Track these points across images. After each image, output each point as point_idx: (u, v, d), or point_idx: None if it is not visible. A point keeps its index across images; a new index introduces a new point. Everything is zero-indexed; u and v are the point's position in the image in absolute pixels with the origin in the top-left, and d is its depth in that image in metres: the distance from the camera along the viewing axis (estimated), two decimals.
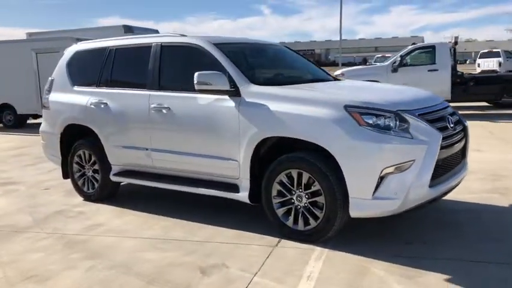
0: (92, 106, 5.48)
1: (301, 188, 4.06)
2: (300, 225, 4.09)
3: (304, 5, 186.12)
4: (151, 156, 5.04)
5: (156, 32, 19.60)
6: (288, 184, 4.13)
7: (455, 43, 13.57)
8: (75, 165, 5.86)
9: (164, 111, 4.83)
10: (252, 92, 4.33)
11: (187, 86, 4.77)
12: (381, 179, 3.66)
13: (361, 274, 3.42)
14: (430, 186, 3.78)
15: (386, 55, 29.81)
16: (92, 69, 5.73)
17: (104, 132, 5.42)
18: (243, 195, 4.38)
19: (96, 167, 5.64)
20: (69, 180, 6.03)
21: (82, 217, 5.12)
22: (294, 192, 4.10)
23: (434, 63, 13.02)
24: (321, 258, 3.71)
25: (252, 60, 5.13)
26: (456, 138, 4.16)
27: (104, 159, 5.51)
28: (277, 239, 4.15)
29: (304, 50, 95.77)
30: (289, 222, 4.15)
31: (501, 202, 4.96)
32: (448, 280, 3.26)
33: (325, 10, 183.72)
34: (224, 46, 4.81)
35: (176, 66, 5.04)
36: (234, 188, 4.49)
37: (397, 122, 3.74)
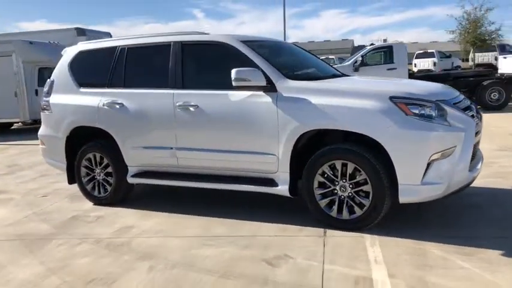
0: (105, 107, 5.32)
1: (345, 178, 4.20)
2: (345, 215, 4.23)
3: (236, 10, 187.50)
4: (177, 155, 4.98)
5: (109, 34, 19.11)
6: (331, 175, 4.26)
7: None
8: (83, 169, 5.66)
9: (192, 109, 4.80)
10: (289, 87, 4.42)
11: (215, 84, 4.80)
12: (428, 165, 3.88)
13: (421, 255, 3.62)
14: (469, 170, 4.06)
15: (330, 57, 30.79)
16: (100, 69, 5.57)
17: (120, 133, 5.28)
18: (283, 189, 4.45)
19: (109, 169, 5.47)
20: (66, 186, 5.89)
21: (105, 221, 4.97)
22: (337, 183, 4.24)
23: (392, 62, 13.69)
24: (375, 244, 3.88)
25: (277, 57, 5.21)
26: (480, 125, 4.48)
27: (119, 161, 5.36)
28: (322, 229, 4.27)
29: None
30: (333, 212, 4.28)
31: (507, 185, 5.37)
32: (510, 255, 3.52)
33: (258, 14, 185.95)
34: (251, 43, 4.87)
35: (202, 64, 5.04)
36: (270, 182, 4.56)
37: (437, 112, 3.98)
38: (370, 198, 4.09)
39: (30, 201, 6.03)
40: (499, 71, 17.57)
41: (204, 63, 5.04)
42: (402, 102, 3.98)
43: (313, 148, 4.41)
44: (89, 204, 5.65)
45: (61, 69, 5.87)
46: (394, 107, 3.96)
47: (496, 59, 29.76)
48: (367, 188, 4.11)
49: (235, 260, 3.71)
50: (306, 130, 4.27)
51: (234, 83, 4.44)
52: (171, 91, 4.96)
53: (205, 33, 5.12)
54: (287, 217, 4.65)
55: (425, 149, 3.87)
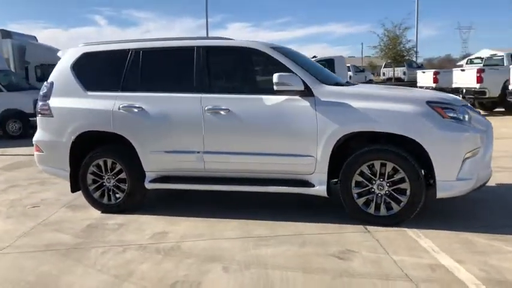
0: (121, 111, 5.16)
1: (382, 177, 4.50)
2: (383, 211, 4.53)
3: (141, 18, 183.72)
4: (204, 159, 4.97)
5: (35, 38, 18.04)
6: (369, 174, 4.54)
7: None
8: (90, 176, 5.40)
9: (223, 113, 4.84)
10: (325, 91, 4.65)
11: (246, 88, 4.90)
12: (462, 163, 4.32)
13: (469, 243, 4.01)
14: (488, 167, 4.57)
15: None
16: (111, 72, 5.40)
17: (139, 137, 5.14)
18: (320, 189, 4.65)
19: (122, 175, 5.29)
20: (51, 196, 5.77)
21: (131, 228, 4.80)
22: (374, 182, 4.53)
23: (334, 73, 14.43)
24: (421, 236, 4.22)
25: (303, 63, 5.41)
26: None
27: (135, 166, 5.21)
28: (360, 226, 4.53)
29: None
30: (371, 209, 4.56)
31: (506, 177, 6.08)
32: None
33: (164, 24, 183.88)
34: (279, 50, 5.03)
35: (231, 69, 5.11)
36: (305, 183, 4.74)
37: (466, 115, 4.44)
38: (408, 195, 4.43)
39: (22, 212, 5.60)
40: (418, 85, 19.22)
41: (233, 68, 5.12)
42: (438, 106, 4.38)
43: (343, 150, 4.67)
44: (95, 212, 5.40)
45: (62, 72, 5.57)
46: (431, 111, 4.36)
47: (404, 73, 32.42)
48: (404, 185, 4.44)
49: (304, 257, 3.84)
50: (347, 132, 4.52)
51: (275, 87, 4.57)
52: (199, 95, 4.95)
53: (231, 39, 5.19)
54: (314, 215, 4.86)
55: (461, 148, 4.30)
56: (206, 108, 4.89)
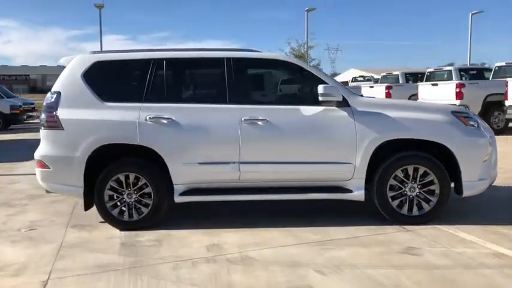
0: (149, 122, 4.97)
1: (414, 180, 4.95)
2: (415, 212, 4.98)
3: (2, 26, 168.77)
4: (240, 169, 4.99)
5: None
6: (402, 178, 4.96)
7: None
8: (107, 192, 5.08)
9: (260, 123, 4.93)
10: (360, 102, 5.01)
11: (282, 99, 5.09)
12: (482, 165, 4.95)
13: (503, 235, 4.58)
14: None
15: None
16: (131, 82, 5.21)
17: (170, 149, 4.98)
18: (358, 194, 4.96)
19: (147, 190, 5.06)
20: (41, 216, 5.43)
21: (174, 243, 4.62)
22: (406, 185, 4.97)
23: None
24: (458, 231, 4.71)
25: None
26: None
27: (162, 180, 5.04)
28: (397, 226, 4.92)
29: (17, 75, 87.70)
30: (404, 210, 4.98)
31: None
32: None
33: (29, 34, 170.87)
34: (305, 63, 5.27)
35: (264, 80, 5.20)
36: (341, 189, 5.02)
37: (479, 123, 5.11)
38: (438, 195, 4.93)
39: (24, 236, 5.03)
40: None
41: (267, 80, 5.22)
42: (461, 116, 4.98)
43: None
44: (113, 230, 5.07)
45: (72, 81, 5.18)
46: (456, 120, 4.94)
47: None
48: (433, 187, 4.94)
49: (380, 256, 4.10)
50: (386, 140, 4.90)
51: (321, 98, 4.82)
52: (234, 106, 4.99)
53: (258, 51, 5.30)
54: (339, 219, 5.16)
55: (482, 152, 4.94)
56: (243, 118, 4.93)
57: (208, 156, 5.00)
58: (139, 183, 5.07)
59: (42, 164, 5.12)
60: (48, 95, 5.19)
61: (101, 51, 5.42)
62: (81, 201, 5.21)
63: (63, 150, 5.05)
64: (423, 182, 4.96)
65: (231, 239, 4.69)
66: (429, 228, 4.84)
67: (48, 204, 6.41)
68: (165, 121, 4.97)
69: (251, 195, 5.06)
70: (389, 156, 4.96)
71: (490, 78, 15.09)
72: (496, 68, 15.17)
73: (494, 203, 5.88)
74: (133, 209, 5.10)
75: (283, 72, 5.27)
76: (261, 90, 5.32)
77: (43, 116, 5.14)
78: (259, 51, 5.31)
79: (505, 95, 13.05)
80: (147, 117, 4.97)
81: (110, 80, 5.23)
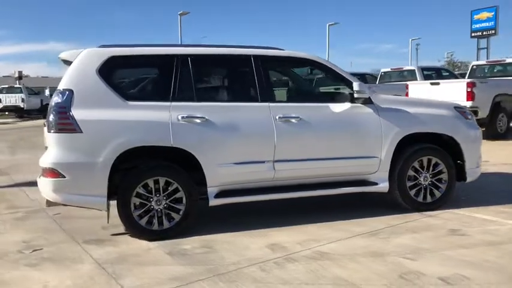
0: (183, 122, 4.66)
1: (427, 170, 5.42)
2: (429, 198, 5.44)
3: None
4: (275, 168, 4.94)
5: None
6: (418, 168, 5.39)
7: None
8: (134, 200, 4.63)
9: (294, 121, 4.95)
10: (381, 99, 5.32)
11: (311, 96, 5.18)
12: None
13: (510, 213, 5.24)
14: None
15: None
16: (154, 80, 4.84)
17: (204, 150, 4.71)
18: (383, 186, 5.26)
19: (178, 194, 4.72)
20: (31, 236, 4.85)
21: (229, 247, 4.36)
22: (421, 174, 5.41)
23: None
24: (474, 213, 5.24)
25: None
26: None
27: (194, 183, 4.76)
28: (413, 213, 5.29)
29: None
30: (420, 198, 5.41)
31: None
32: None
33: None
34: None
35: (293, 78, 5.20)
36: (366, 182, 5.27)
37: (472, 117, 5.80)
38: (446, 182, 5.46)
39: (38, 257, 4.31)
40: None
41: (294, 78, 5.23)
42: (462, 111, 5.59)
43: None
44: (140, 242, 4.61)
45: (85, 78, 4.59)
46: (459, 114, 5.53)
47: (22, 100, 30.36)
48: (443, 175, 5.46)
49: (433, 240, 4.41)
50: (406, 134, 5.27)
51: (356, 95, 5.01)
52: (267, 104, 4.92)
53: (282, 49, 5.28)
54: (354, 212, 5.39)
55: (480, 142, 5.61)
56: (277, 116, 4.90)
57: (244, 155, 4.85)
58: (170, 188, 4.70)
59: (55, 173, 4.45)
60: (57, 94, 4.53)
61: (113, 45, 4.89)
62: (61, 213, 4.65)
63: (82, 156, 4.46)
64: (435, 171, 5.44)
65: (283, 238, 4.60)
66: (446, 212, 5.32)
67: (21, 221, 5.61)
68: (198, 121, 4.69)
69: (285, 194, 5.03)
70: (408, 148, 5.33)
71: (377, 83, 16.75)
72: (382, 73, 16.93)
73: (485, 188, 6.50)
74: (163, 217, 4.70)
75: (308, 70, 5.34)
76: (290, 88, 5.31)
77: (52, 117, 4.47)
78: (282, 49, 5.30)
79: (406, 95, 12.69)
80: (180, 117, 4.65)
81: (129, 77, 4.79)
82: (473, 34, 45.16)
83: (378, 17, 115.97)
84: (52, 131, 4.48)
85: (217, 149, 4.75)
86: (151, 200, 4.65)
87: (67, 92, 4.50)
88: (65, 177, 4.45)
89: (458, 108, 5.65)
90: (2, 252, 4.50)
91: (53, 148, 4.48)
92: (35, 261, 4.24)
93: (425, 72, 16.26)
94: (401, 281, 3.51)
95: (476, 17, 43.77)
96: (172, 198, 4.70)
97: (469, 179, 5.59)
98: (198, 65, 4.89)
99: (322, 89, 5.57)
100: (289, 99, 5.19)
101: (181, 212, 4.72)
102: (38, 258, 4.29)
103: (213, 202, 4.81)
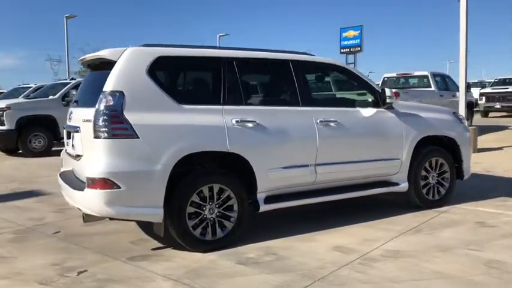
0: (237, 126, 4.51)
1: (435, 170, 5.89)
2: (436, 196, 5.90)
3: None
4: (317, 171, 5.00)
5: None
6: (428, 168, 5.83)
7: None
8: (190, 209, 4.36)
9: (333, 124, 5.07)
10: (399, 104, 5.66)
11: (343, 101, 5.34)
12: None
13: (506, 205, 5.89)
14: None
15: None
16: (203, 82, 4.62)
17: (257, 155, 4.59)
18: (404, 186, 5.59)
19: (231, 202, 4.54)
20: (58, 256, 4.40)
21: (293, 253, 4.30)
22: (430, 174, 5.86)
23: None
24: (479, 207, 5.79)
25: None
26: None
27: (245, 189, 4.62)
28: (426, 211, 5.71)
29: None
30: (430, 196, 5.85)
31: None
32: None
33: None
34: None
35: (326, 83, 5.27)
36: (389, 183, 5.56)
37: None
38: (449, 181, 5.97)
39: (100, 279, 3.82)
40: None
41: (325, 83, 5.32)
42: (459, 116, 6.17)
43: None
44: (195, 255, 4.35)
45: (136, 79, 4.22)
46: (457, 119, 6.09)
47: None
48: (446, 174, 5.97)
49: (476, 231, 4.84)
50: (422, 137, 5.66)
51: (388, 100, 5.26)
52: (308, 108, 4.98)
53: (313, 55, 5.34)
54: (385, 211, 5.68)
55: (470, 143, 6.23)
56: (318, 120, 4.97)
57: (291, 160, 4.82)
58: (223, 196, 4.50)
59: (109, 184, 4.01)
60: (106, 95, 4.10)
61: (157, 45, 4.53)
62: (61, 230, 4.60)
63: (139, 164, 4.09)
64: (440, 171, 5.92)
65: (337, 240, 4.64)
66: (454, 208, 5.79)
67: (21, 243, 4.95)
68: (250, 125, 4.57)
69: (325, 197, 5.09)
70: (423, 150, 5.72)
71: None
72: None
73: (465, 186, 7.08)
74: (216, 225, 4.48)
75: (338, 75, 5.47)
76: (323, 93, 5.37)
77: (102, 122, 4.03)
78: (313, 55, 5.37)
79: None
80: (234, 121, 4.49)
81: (178, 79, 4.50)
82: (342, 50, 49.04)
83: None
84: (102, 136, 4.03)
85: (268, 153, 4.66)
86: (204, 208, 4.40)
87: (117, 94, 4.09)
88: (120, 187, 4.02)
89: (455, 114, 6.22)
90: (43, 277, 3.92)
91: (104, 156, 4.03)
92: (95, 283, 3.76)
93: None
94: (493, 270, 3.80)
95: (344, 34, 47.64)
96: (225, 205, 4.50)
97: (465, 177, 6.17)
98: (243, 68, 4.76)
99: (351, 94, 5.75)
100: (326, 103, 5.27)
101: (233, 220, 4.53)
102: (96, 280, 3.82)
103: (263, 208, 4.69)
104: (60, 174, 5.12)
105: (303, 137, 4.86)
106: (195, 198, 4.34)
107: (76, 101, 4.99)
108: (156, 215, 4.16)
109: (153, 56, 4.35)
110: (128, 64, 4.23)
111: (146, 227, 5.00)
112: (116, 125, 4.02)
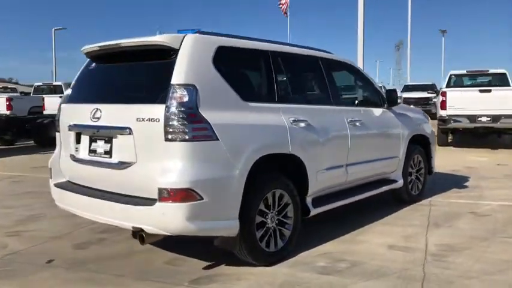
0: (294, 127, 4.20)
1: (415, 166, 6.27)
2: (416, 191, 6.27)
3: None
4: (348, 171, 4.93)
5: None
6: (413, 165, 6.18)
7: None
8: (258, 219, 3.91)
9: (358, 124, 5.06)
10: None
11: (359, 101, 5.39)
12: None
13: (469, 196, 6.54)
14: None
15: None
16: (260, 77, 4.20)
17: (310, 156, 4.32)
18: (400, 183, 5.82)
19: (289, 208, 4.20)
20: None
21: (359, 257, 4.21)
22: (412, 170, 6.22)
23: None
24: (450, 199, 6.36)
25: None
26: None
27: (299, 193, 4.33)
28: (408, 205, 6.03)
29: None
30: (413, 191, 6.21)
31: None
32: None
33: None
34: None
35: (345, 82, 5.20)
36: (389, 181, 5.74)
37: None
38: (423, 177, 6.42)
39: None
40: None
41: (346, 82, 5.24)
42: (426, 115, 6.67)
43: None
44: (264, 270, 3.91)
45: (205, 71, 3.63)
46: (426, 119, 6.58)
47: None
48: (422, 171, 6.41)
49: (481, 220, 5.29)
50: (412, 135, 5.97)
51: (400, 100, 5.43)
52: (339, 107, 4.89)
53: (331, 53, 5.21)
54: (383, 209, 5.86)
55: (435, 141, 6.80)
56: (349, 120, 4.92)
57: (332, 160, 4.67)
58: (282, 202, 4.14)
59: (193, 195, 3.37)
60: (175, 90, 3.43)
61: (211, 33, 3.92)
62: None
63: (219, 170, 3.53)
64: (419, 167, 6.32)
65: (379, 239, 4.63)
66: (433, 201, 6.24)
67: (23, 276, 3.88)
68: (303, 124, 4.29)
69: (358, 196, 5.06)
70: (411, 148, 6.01)
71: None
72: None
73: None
74: (277, 235, 4.10)
75: (352, 75, 5.42)
76: (345, 92, 5.22)
77: (178, 121, 3.37)
78: (331, 53, 5.24)
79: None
80: (291, 121, 4.17)
81: (239, 72, 3.99)
82: None
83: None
84: (179, 139, 3.36)
85: (318, 154, 4.44)
86: (267, 217, 4.00)
87: (191, 88, 3.46)
88: (202, 198, 3.41)
89: (424, 113, 6.70)
90: None
91: (184, 162, 3.36)
92: None
93: None
94: None
95: None
96: (283, 212, 4.14)
97: (433, 172, 6.70)
98: (287, 64, 4.46)
99: (364, 94, 5.70)
100: (348, 103, 5.17)
101: (289, 227, 4.20)
102: None
103: (313, 212, 4.44)
104: (60, 185, 4.15)
105: (340, 137, 4.75)
106: (262, 206, 3.90)
107: (85, 97, 4.08)
108: (233, 228, 3.63)
109: (215, 45, 3.79)
110: (194, 53, 3.60)
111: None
112: (195, 124, 3.39)
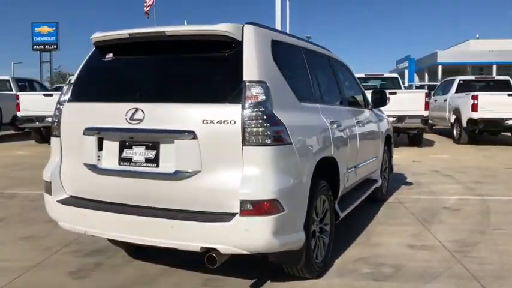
0: (331, 128, 4.01)
1: (384, 166, 6.46)
2: (385, 189, 6.47)
3: None
4: (356, 172, 4.87)
5: None
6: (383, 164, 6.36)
7: None
8: (311, 227, 3.65)
9: (361, 125, 5.05)
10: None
11: (352, 101, 5.38)
12: None
13: (429, 192, 6.94)
14: None
15: None
16: (301, 75, 3.94)
17: (341, 158, 4.16)
18: (380, 182, 5.96)
19: (327, 214, 3.98)
20: None
21: (410, 262, 4.17)
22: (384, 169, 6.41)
23: None
24: (414, 196, 6.66)
25: None
26: None
27: (334, 197, 4.16)
28: (385, 203, 6.26)
29: None
30: (384, 190, 6.38)
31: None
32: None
33: None
34: None
35: (344, 81, 5.11)
36: (372, 181, 5.81)
37: None
38: (389, 175, 6.65)
39: None
40: None
41: (345, 81, 5.16)
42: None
43: None
44: (312, 285, 3.68)
45: (268, 66, 3.25)
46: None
47: None
48: (387, 170, 6.62)
49: (466, 213, 5.62)
50: (386, 135, 6.12)
51: (388, 101, 5.51)
52: (349, 108, 4.84)
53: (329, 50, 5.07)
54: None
55: None
56: (356, 121, 4.88)
57: (351, 161, 4.59)
58: (324, 208, 3.92)
59: (277, 206, 3.00)
60: (249, 87, 3.02)
61: (269, 28, 3.53)
62: None
63: (294, 177, 3.20)
64: (385, 166, 6.50)
65: (394, 239, 4.64)
66: (401, 198, 6.47)
67: None
68: (336, 125, 4.13)
69: (361, 197, 5.02)
70: (385, 148, 6.19)
71: None
72: None
73: None
74: (321, 243, 3.87)
75: (349, 75, 5.33)
76: (346, 92, 5.05)
77: (258, 124, 2.96)
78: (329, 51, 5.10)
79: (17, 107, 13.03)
80: (329, 122, 3.98)
81: (290, 69, 3.67)
82: (35, 47, 45.49)
83: None
84: (260, 143, 2.96)
85: (346, 157, 4.33)
86: (314, 224, 3.75)
87: (265, 86, 3.07)
88: (284, 210, 3.04)
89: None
90: None
91: (267, 169, 2.97)
92: None
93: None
94: None
95: (37, 30, 44.12)
96: (324, 219, 3.93)
97: (393, 171, 6.96)
98: (313, 62, 4.24)
99: (354, 94, 5.58)
100: (349, 103, 5.07)
101: (328, 234, 3.99)
102: None
103: (341, 215, 4.28)
104: (70, 203, 3.42)
105: (353, 138, 4.66)
106: (313, 214, 3.64)
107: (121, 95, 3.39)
108: (301, 240, 3.31)
109: (269, 39, 3.43)
110: (258, 46, 3.21)
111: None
112: (275, 127, 3.02)
